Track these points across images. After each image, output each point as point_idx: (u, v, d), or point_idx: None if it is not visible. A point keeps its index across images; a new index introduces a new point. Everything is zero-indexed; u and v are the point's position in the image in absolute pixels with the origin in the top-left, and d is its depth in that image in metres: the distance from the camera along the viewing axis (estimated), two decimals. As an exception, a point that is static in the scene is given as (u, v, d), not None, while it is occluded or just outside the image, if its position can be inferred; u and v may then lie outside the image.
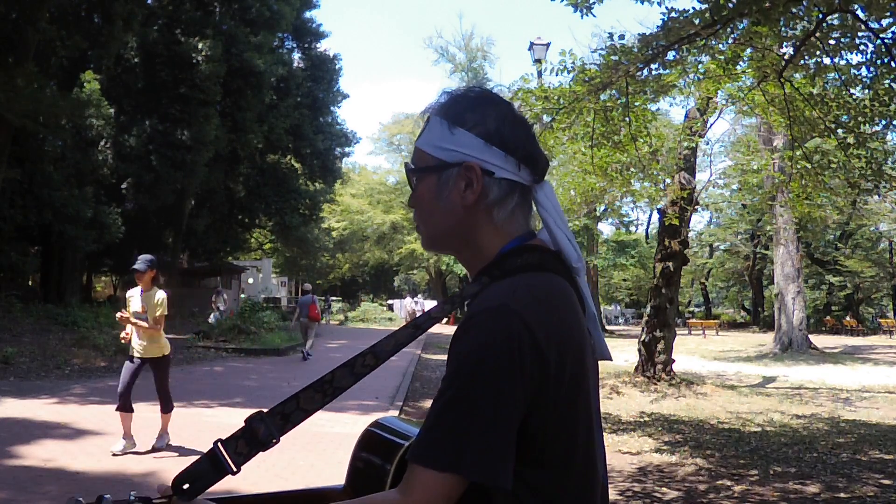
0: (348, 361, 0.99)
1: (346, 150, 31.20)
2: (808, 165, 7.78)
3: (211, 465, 0.96)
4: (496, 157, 1.02)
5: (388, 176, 45.01)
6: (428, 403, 9.21)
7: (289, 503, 1.12)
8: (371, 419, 1.26)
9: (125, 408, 5.77)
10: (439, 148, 1.03)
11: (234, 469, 0.97)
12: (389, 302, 51.42)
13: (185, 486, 0.97)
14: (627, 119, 7.02)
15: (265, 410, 0.99)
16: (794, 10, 5.10)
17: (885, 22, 5.38)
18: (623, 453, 6.22)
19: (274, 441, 0.98)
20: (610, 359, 1.11)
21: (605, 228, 44.50)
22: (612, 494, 4.84)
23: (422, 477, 0.89)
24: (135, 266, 5.84)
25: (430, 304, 47.91)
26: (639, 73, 6.19)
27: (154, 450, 5.82)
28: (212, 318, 18.78)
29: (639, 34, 5.97)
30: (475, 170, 1.01)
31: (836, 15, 5.28)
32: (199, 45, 19.88)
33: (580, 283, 1.06)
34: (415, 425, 1.17)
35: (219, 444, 0.97)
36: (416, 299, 22.12)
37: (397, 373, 12.30)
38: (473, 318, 0.93)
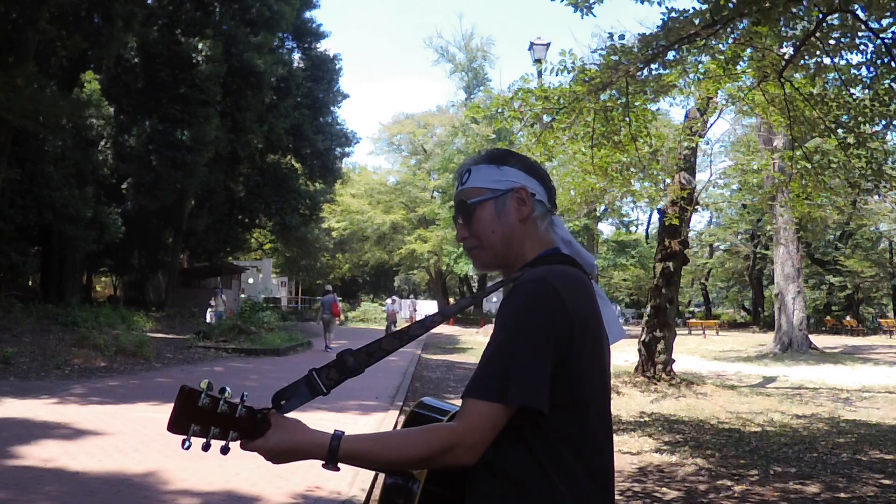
0: (421, 319, 1.32)
1: (346, 150, 31.21)
2: (808, 165, 7.78)
3: (307, 387, 1.21)
4: (534, 183, 1.34)
5: (388, 176, 45.04)
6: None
7: None
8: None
9: None
10: (493, 180, 1.33)
11: (325, 391, 1.21)
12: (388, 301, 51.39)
13: (282, 402, 1.19)
14: (627, 119, 7.01)
15: (353, 348, 1.25)
16: (794, 10, 5.10)
17: (885, 22, 5.38)
18: (623, 453, 6.21)
19: (360, 370, 1.24)
20: (624, 335, 1.39)
21: (606, 228, 44.57)
22: (612, 494, 4.83)
23: (474, 407, 1.13)
24: None
25: (423, 305, 47.93)
26: (639, 73, 6.19)
27: None
28: (209, 318, 18.73)
29: (639, 34, 5.98)
30: (525, 190, 1.32)
31: (836, 15, 5.28)
32: (199, 45, 19.89)
33: (594, 284, 1.35)
34: (454, 405, 1.35)
35: (313, 371, 1.22)
36: (393, 297, 25.06)
37: (397, 373, 12.30)
38: (519, 286, 1.21)
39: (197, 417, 1.11)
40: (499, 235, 1.31)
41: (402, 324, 35.95)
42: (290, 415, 1.20)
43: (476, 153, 1.42)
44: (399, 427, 1.34)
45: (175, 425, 1.10)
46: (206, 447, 1.13)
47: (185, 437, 1.11)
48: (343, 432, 1.16)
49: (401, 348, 1.26)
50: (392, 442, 1.16)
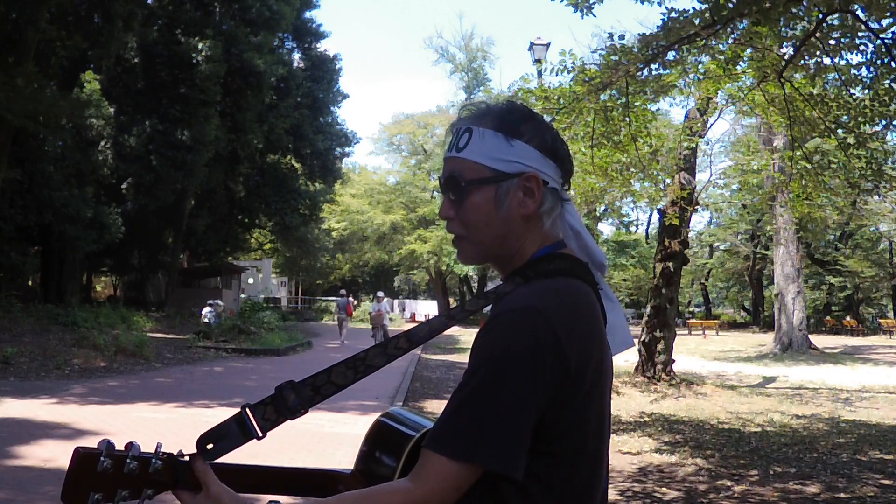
0: (382, 343, 1.04)
1: (346, 150, 31.22)
2: (808, 165, 7.78)
3: (238, 428, 1.00)
4: (550, 168, 1.07)
5: (388, 176, 45.03)
6: (428, 404, 9.20)
7: (300, 478, 1.14)
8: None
9: None
10: (498, 160, 1.05)
11: (260, 434, 1.00)
12: (389, 300, 51.50)
13: (209, 447, 1.00)
14: (627, 119, 7.01)
15: (296, 380, 1.02)
16: (794, 10, 5.10)
17: (885, 22, 5.38)
18: (623, 453, 6.21)
19: (302, 411, 1.01)
20: (632, 345, 1.18)
21: (606, 228, 44.54)
22: (612, 494, 4.83)
23: (436, 465, 0.93)
24: None
25: (423, 305, 47.91)
26: (639, 73, 6.19)
27: None
28: (207, 317, 18.73)
29: (639, 34, 5.98)
30: (537, 179, 1.05)
31: (836, 15, 5.28)
32: (199, 45, 19.89)
33: (602, 282, 1.13)
34: (426, 417, 1.20)
35: (247, 408, 1.00)
36: (379, 294, 19.98)
37: (397, 373, 12.30)
38: (500, 316, 0.98)
39: (97, 484, 0.94)
40: (493, 231, 1.06)
41: (393, 325, 35.72)
42: (225, 459, 1.02)
43: (479, 102, 1.14)
44: (365, 435, 1.20)
45: (69, 497, 0.93)
46: None
47: None
48: (278, 503, 1.00)
49: (356, 382, 1.04)
50: None
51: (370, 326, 18.69)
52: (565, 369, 0.95)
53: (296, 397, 1.01)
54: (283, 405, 1.01)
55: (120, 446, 0.97)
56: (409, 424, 1.18)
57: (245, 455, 1.03)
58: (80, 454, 0.94)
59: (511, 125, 1.06)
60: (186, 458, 1.01)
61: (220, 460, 1.02)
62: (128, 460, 0.96)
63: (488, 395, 0.93)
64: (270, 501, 1.01)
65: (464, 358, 18.63)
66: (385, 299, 19.38)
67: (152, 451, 0.99)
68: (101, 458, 0.94)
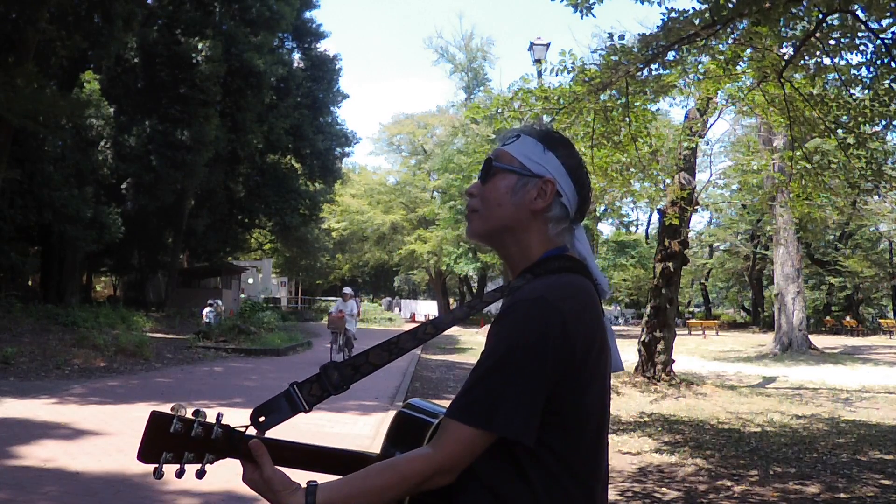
0: (412, 329, 1.20)
1: (346, 150, 31.27)
2: (808, 166, 7.78)
3: (287, 403, 1.14)
4: (569, 187, 1.24)
5: (388, 176, 45.05)
6: (428, 403, 9.24)
7: (332, 458, 1.23)
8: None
9: None
10: (530, 159, 1.23)
11: (307, 408, 1.14)
12: (386, 300, 51.62)
13: (261, 419, 1.12)
14: (627, 119, 7.01)
15: (338, 361, 1.16)
16: (794, 11, 5.09)
17: (885, 22, 5.37)
18: (623, 453, 6.21)
19: (345, 387, 1.16)
20: (622, 369, 1.30)
21: (605, 228, 44.55)
22: (612, 495, 4.83)
23: (455, 432, 1.08)
24: None
25: (423, 305, 47.86)
26: (639, 74, 6.19)
27: None
28: (207, 317, 18.72)
29: (639, 34, 5.98)
30: (553, 185, 1.22)
31: (836, 15, 5.28)
32: (199, 45, 19.89)
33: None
34: (442, 407, 1.28)
35: (294, 386, 1.14)
36: (346, 291, 14.99)
37: (397, 373, 12.29)
38: (516, 305, 1.12)
39: (169, 444, 1.05)
40: (502, 212, 1.22)
41: (393, 325, 35.60)
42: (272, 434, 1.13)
43: (533, 125, 1.32)
44: (387, 428, 1.30)
45: (145, 455, 1.04)
46: (179, 474, 1.07)
47: (156, 465, 1.05)
48: (316, 483, 1.07)
49: (390, 362, 1.18)
50: (367, 484, 1.08)
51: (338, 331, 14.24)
52: (571, 352, 1.09)
53: (339, 375, 1.15)
54: (327, 382, 1.15)
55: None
56: (428, 412, 1.30)
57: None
58: (155, 416, 1.04)
59: (551, 142, 1.26)
60: (243, 429, 1.11)
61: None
62: (195, 425, 1.07)
63: (503, 372, 1.07)
64: (309, 482, 1.07)
65: (464, 358, 18.58)
66: (353, 299, 14.83)
67: (213, 420, 1.09)
68: (174, 420, 1.05)
